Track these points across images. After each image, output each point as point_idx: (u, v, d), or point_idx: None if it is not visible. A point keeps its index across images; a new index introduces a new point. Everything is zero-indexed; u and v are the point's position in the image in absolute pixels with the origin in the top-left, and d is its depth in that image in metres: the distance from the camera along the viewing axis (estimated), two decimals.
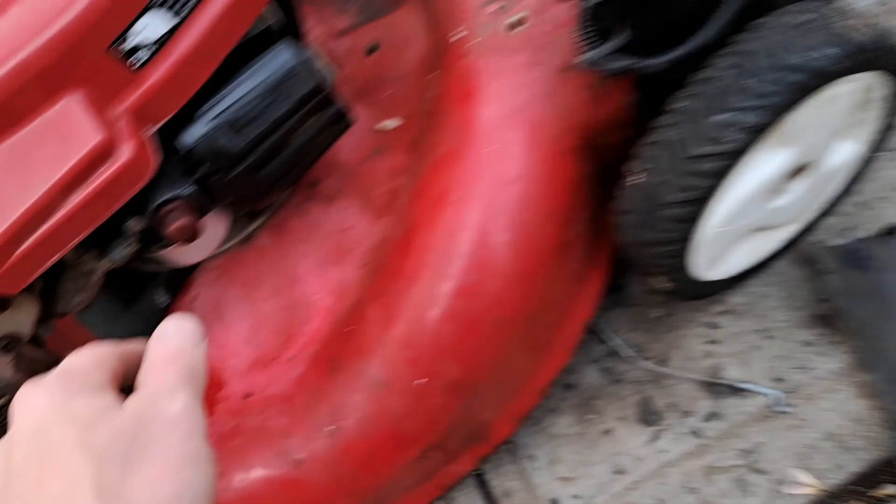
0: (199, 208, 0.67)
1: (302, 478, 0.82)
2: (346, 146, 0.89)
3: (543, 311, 0.81)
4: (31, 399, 0.40)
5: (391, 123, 0.88)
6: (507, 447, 0.99)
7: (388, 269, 0.81)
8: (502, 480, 0.98)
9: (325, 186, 0.89)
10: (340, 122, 0.71)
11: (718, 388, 0.94)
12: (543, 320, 0.82)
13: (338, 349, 0.82)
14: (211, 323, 0.92)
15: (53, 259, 0.59)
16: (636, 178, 0.73)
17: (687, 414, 0.95)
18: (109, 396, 0.40)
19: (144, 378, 0.41)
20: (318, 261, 0.88)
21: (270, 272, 0.89)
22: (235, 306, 0.90)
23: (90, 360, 0.42)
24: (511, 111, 0.76)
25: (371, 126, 0.89)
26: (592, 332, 1.03)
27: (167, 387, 0.40)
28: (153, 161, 0.60)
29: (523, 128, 0.76)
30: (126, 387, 0.42)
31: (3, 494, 0.39)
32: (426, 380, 0.78)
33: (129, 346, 0.46)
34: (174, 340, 0.43)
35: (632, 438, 0.96)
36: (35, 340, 0.76)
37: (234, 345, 0.90)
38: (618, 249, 0.84)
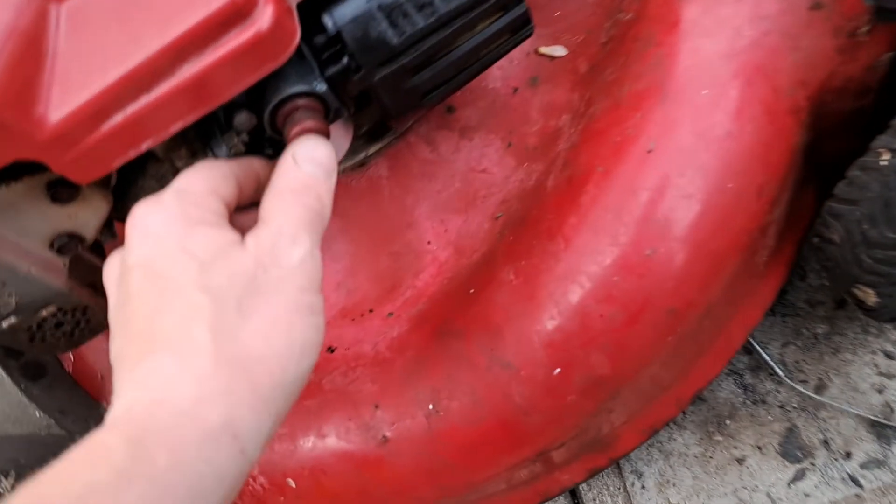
0: (329, 113, 0.50)
1: (385, 459, 0.66)
2: (497, 70, 0.72)
3: (718, 308, 0.64)
4: (149, 221, 0.39)
5: (558, 50, 0.70)
6: None
7: (532, 225, 0.64)
8: (598, 494, 0.83)
9: (464, 115, 0.72)
10: (522, 29, 0.55)
11: (888, 431, 0.77)
12: (713, 320, 0.65)
13: (454, 313, 0.66)
14: None
15: (145, 146, 0.43)
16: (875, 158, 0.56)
17: (843, 455, 0.78)
18: (228, 231, 0.39)
19: (268, 210, 0.41)
20: (439, 204, 0.72)
21: (381, 209, 0.73)
22: (333, 241, 0.74)
23: (207, 183, 0.41)
24: (733, 50, 0.59)
25: (530, 50, 0.72)
26: None
27: (291, 227, 0.39)
28: (295, 35, 0.43)
29: (746, 73, 0.58)
30: (241, 207, 0.43)
31: (121, 310, 0.39)
32: (564, 370, 0.61)
33: (248, 163, 0.45)
34: (306, 169, 0.42)
35: (769, 473, 0.79)
36: (96, 246, 0.61)
37: (324, 286, 0.74)
38: (812, 246, 0.67)
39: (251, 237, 0.40)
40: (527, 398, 0.63)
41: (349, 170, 0.73)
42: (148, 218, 0.40)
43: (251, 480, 0.73)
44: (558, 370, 0.62)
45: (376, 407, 0.67)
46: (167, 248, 0.38)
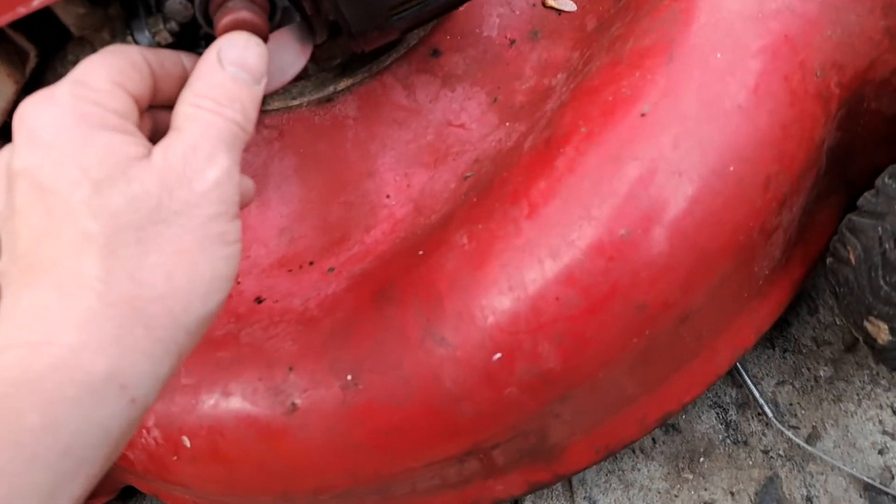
0: (275, 12, 0.42)
1: (289, 429, 0.57)
2: (495, 18, 0.62)
3: (702, 318, 0.54)
4: (38, 120, 0.34)
5: (567, 5, 0.61)
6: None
7: (498, 187, 0.54)
8: None
9: (449, 62, 0.63)
10: None
11: (883, 498, 0.66)
12: (695, 330, 0.55)
13: (396, 275, 0.56)
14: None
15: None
16: None
17: None
18: (131, 140, 0.34)
19: (182, 118, 0.36)
20: (406, 155, 0.63)
21: (341, 152, 0.64)
22: (282, 181, 0.65)
23: (111, 72, 0.35)
24: (760, 12, 0.50)
25: (536, 1, 0.62)
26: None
27: (207, 142, 0.35)
28: None
29: (772, 41, 0.49)
30: (153, 106, 0.38)
31: (7, 221, 0.34)
32: (505, 357, 0.51)
33: (170, 55, 0.39)
34: (232, 71, 0.37)
35: None
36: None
37: (265, 230, 0.65)
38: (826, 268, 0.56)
39: (159, 150, 0.35)
40: (460, 383, 0.53)
41: (314, 104, 0.64)
42: (36, 117, 0.34)
43: (144, 433, 0.64)
44: (499, 355, 0.52)
45: (290, 369, 0.58)
46: (56, 158, 0.33)
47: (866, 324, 0.54)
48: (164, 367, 0.33)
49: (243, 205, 0.41)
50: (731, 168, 0.49)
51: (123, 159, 0.34)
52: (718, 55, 0.50)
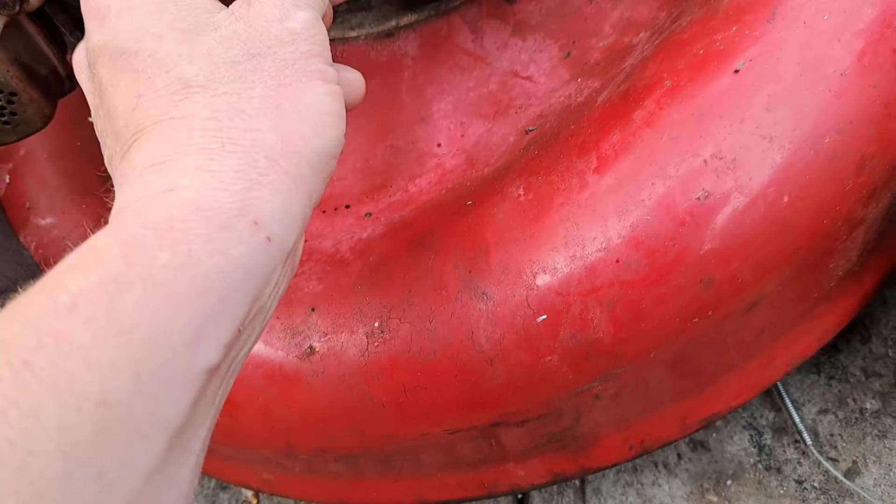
0: None
1: (303, 376, 0.52)
2: None
3: (767, 310, 0.49)
4: None
5: None
6: (575, 484, 0.67)
7: (565, 141, 0.50)
8: None
9: (524, 9, 0.59)
10: None
11: None
12: (757, 325, 0.51)
13: (439, 225, 0.52)
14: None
15: None
16: None
17: None
18: None
19: None
20: (464, 104, 0.58)
21: (395, 93, 0.60)
22: None
23: None
24: None
25: None
26: (765, 392, 0.70)
27: None
28: None
29: (887, 11, 0.44)
30: None
31: (101, 108, 0.34)
32: (551, 320, 0.47)
33: None
34: None
35: None
36: (53, 34, 0.50)
37: None
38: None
39: (239, 4, 0.34)
40: (495, 343, 0.49)
41: (372, 37, 0.60)
42: None
43: None
44: (543, 317, 0.47)
45: (312, 310, 0.53)
46: (132, 20, 0.32)
47: None
48: (294, 203, 0.31)
49: (352, 104, 0.40)
50: (827, 140, 0.45)
51: (203, 10, 0.33)
52: (825, 17, 0.46)
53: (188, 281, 0.27)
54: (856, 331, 0.70)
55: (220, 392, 0.30)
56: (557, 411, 0.52)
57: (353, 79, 0.40)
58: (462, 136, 0.58)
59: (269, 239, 0.30)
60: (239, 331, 0.29)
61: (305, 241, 0.59)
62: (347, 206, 0.59)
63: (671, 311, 0.47)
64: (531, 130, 0.55)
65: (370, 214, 0.58)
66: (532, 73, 0.57)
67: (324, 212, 0.60)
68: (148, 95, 0.31)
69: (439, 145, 0.58)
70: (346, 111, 0.38)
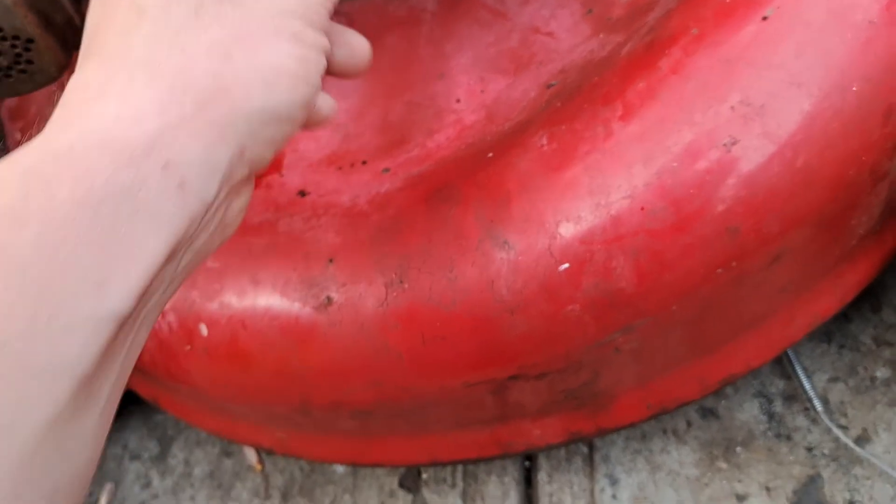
0: None
1: (319, 327, 0.52)
2: None
3: (791, 264, 0.49)
4: None
5: None
6: (583, 451, 0.67)
7: (590, 91, 0.50)
8: (558, 489, 0.67)
9: None
10: None
11: None
12: (780, 279, 0.50)
13: (458, 177, 0.51)
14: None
15: None
16: None
17: None
18: None
19: None
20: (484, 59, 0.58)
21: (413, 48, 0.60)
22: None
23: None
24: None
25: None
26: (776, 358, 0.70)
27: None
28: None
29: None
30: None
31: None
32: (574, 268, 0.46)
33: None
34: None
35: None
36: None
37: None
38: None
39: None
40: (517, 292, 0.48)
41: None
42: None
43: (160, 318, 0.58)
44: (566, 266, 0.47)
45: (331, 261, 0.53)
46: None
47: None
48: (219, 155, 0.29)
49: (321, 123, 0.38)
50: (855, 88, 0.44)
51: None
52: None
53: (89, 220, 0.26)
54: (866, 300, 0.70)
55: (133, 343, 0.29)
56: (577, 365, 0.52)
57: (356, 44, 0.38)
58: (482, 91, 0.58)
59: (182, 185, 0.28)
60: (151, 280, 0.28)
61: (321, 195, 0.58)
62: (364, 163, 0.59)
63: (695, 261, 0.47)
64: (553, 85, 0.55)
65: (388, 170, 0.58)
66: (553, 28, 0.57)
67: (339, 168, 0.60)
68: (106, 21, 0.31)
69: (458, 101, 0.58)
70: (350, 78, 0.37)
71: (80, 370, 0.25)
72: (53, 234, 0.25)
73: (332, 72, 0.37)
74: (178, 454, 0.80)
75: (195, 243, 0.31)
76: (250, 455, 0.76)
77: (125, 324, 0.27)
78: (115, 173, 0.26)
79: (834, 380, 0.68)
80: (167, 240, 0.28)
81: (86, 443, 0.27)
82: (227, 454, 0.79)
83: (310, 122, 0.36)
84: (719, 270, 0.47)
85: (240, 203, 0.34)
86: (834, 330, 0.69)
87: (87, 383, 0.26)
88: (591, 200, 0.47)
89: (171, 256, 0.29)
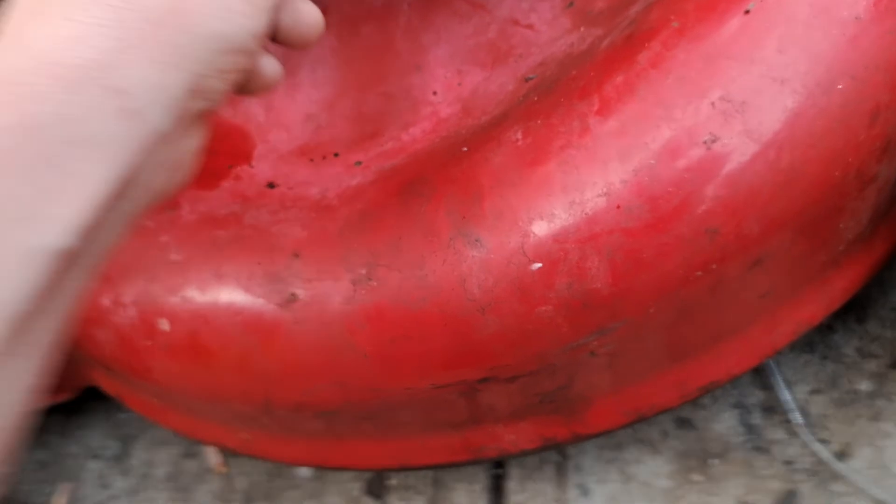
0: None
1: (283, 325, 0.50)
2: None
3: (773, 268, 0.48)
4: None
5: None
6: (555, 460, 0.65)
7: (567, 85, 0.48)
8: (527, 498, 0.65)
9: None
10: None
11: None
12: (763, 284, 0.49)
13: (431, 171, 0.50)
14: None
15: None
16: None
17: None
18: None
19: None
20: (462, 52, 0.56)
21: (389, 39, 0.58)
22: (318, 64, 0.59)
23: None
24: None
25: None
26: (756, 368, 0.68)
27: None
28: None
29: None
30: None
31: None
32: (547, 268, 0.44)
33: None
34: None
35: None
36: None
37: (290, 115, 0.59)
38: None
39: None
40: (488, 291, 0.46)
41: None
42: None
43: (120, 310, 0.56)
44: (539, 265, 0.45)
45: (296, 256, 0.51)
46: None
47: None
48: (171, 78, 0.28)
49: (266, 87, 0.37)
50: (840, 86, 0.43)
51: None
52: None
53: (29, 147, 0.25)
54: (852, 311, 0.69)
55: (77, 284, 0.28)
56: (550, 367, 0.50)
57: (305, 10, 0.36)
58: (459, 84, 0.56)
59: (130, 113, 0.27)
60: (96, 215, 0.26)
61: (290, 188, 0.57)
62: (336, 155, 0.57)
63: (673, 262, 0.45)
64: (531, 78, 0.53)
65: (360, 163, 0.56)
66: (533, 21, 0.56)
67: (311, 160, 0.58)
68: None
69: (435, 93, 0.56)
70: (297, 48, 0.36)
71: (15, 307, 0.24)
72: None
73: (277, 38, 0.35)
74: (139, 454, 0.78)
75: (147, 179, 0.29)
76: (213, 457, 0.74)
77: (70, 262, 0.26)
78: (56, 98, 0.25)
79: (816, 392, 0.66)
80: (115, 171, 0.26)
81: (16, 389, 0.26)
82: (190, 456, 0.76)
83: (255, 86, 0.35)
84: (698, 273, 0.45)
85: (193, 143, 0.33)
86: (817, 340, 0.68)
87: (22, 324, 0.25)
88: (565, 198, 0.45)
89: (121, 191, 0.27)
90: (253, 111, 0.61)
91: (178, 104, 0.29)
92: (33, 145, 0.24)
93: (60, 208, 0.25)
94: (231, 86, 0.33)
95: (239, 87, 0.36)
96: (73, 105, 0.25)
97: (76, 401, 0.75)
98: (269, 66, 0.37)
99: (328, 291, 0.50)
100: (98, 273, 0.30)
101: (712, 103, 0.43)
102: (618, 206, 0.44)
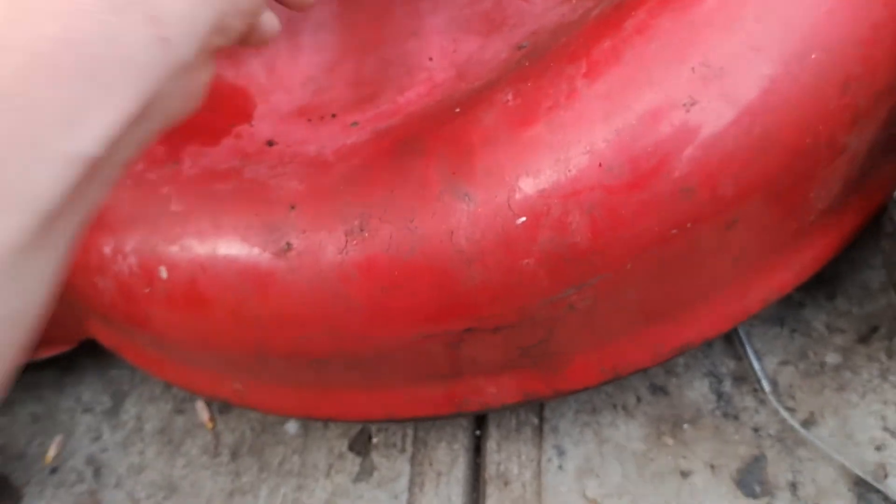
0: None
1: (278, 273, 0.52)
2: None
3: (747, 232, 0.50)
4: None
5: None
6: (533, 422, 0.68)
7: (557, 51, 0.51)
8: (506, 458, 0.68)
9: None
10: None
11: (872, 495, 0.62)
12: (736, 248, 0.51)
13: (424, 130, 0.52)
14: (278, 34, 0.63)
15: None
16: None
17: None
18: None
19: None
20: (458, 20, 0.59)
21: (388, 6, 0.60)
22: (319, 28, 0.61)
23: None
24: None
25: None
26: (728, 339, 0.71)
27: None
28: None
29: None
30: None
31: None
32: (531, 221, 0.47)
33: None
34: None
35: (713, 499, 0.65)
36: None
37: (291, 77, 0.61)
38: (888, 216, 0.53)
39: None
40: (475, 243, 0.49)
41: None
42: None
43: (119, 258, 0.58)
44: (523, 219, 0.48)
45: (292, 208, 0.53)
46: None
47: None
48: (202, 14, 0.30)
49: (264, 41, 0.40)
50: (813, 56, 0.46)
51: None
52: None
53: (70, 57, 0.26)
54: (822, 287, 0.71)
55: (94, 196, 0.30)
56: (531, 320, 0.52)
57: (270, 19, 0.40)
58: (454, 51, 0.58)
59: (163, 39, 0.29)
60: (122, 129, 0.29)
61: (289, 146, 0.59)
62: (334, 116, 0.59)
63: (650, 219, 0.48)
64: (524, 46, 0.56)
65: (356, 123, 0.58)
66: None
67: (309, 120, 0.60)
68: None
69: (430, 59, 0.59)
70: (296, 8, 0.39)
71: (46, 205, 0.26)
72: (37, 68, 0.25)
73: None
74: (130, 409, 0.80)
75: (165, 104, 0.31)
76: (202, 413, 0.76)
77: (95, 168, 0.28)
78: (100, 18, 0.27)
79: (784, 363, 0.69)
80: (143, 91, 0.29)
81: (43, 280, 0.28)
82: (180, 411, 0.79)
83: (255, 38, 0.38)
84: (674, 231, 0.48)
85: (206, 76, 0.35)
86: (787, 315, 0.71)
87: (53, 221, 0.27)
88: (551, 156, 0.47)
89: (144, 111, 0.29)
90: (255, 73, 0.63)
91: (203, 37, 0.31)
92: (75, 56, 0.26)
93: (94, 118, 0.27)
94: (244, 28, 0.36)
95: (242, 37, 0.38)
96: (114, 26, 0.27)
97: (71, 357, 0.77)
98: (270, 20, 0.40)
99: (322, 242, 0.52)
100: (109, 190, 0.33)
101: (692, 68, 0.46)
102: (599, 165, 0.47)
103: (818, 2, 0.45)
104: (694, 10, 0.46)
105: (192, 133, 0.59)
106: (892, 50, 0.47)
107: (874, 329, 0.68)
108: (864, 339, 0.68)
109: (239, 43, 0.39)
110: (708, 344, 0.70)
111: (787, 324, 0.70)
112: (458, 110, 0.53)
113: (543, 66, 0.50)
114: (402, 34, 0.59)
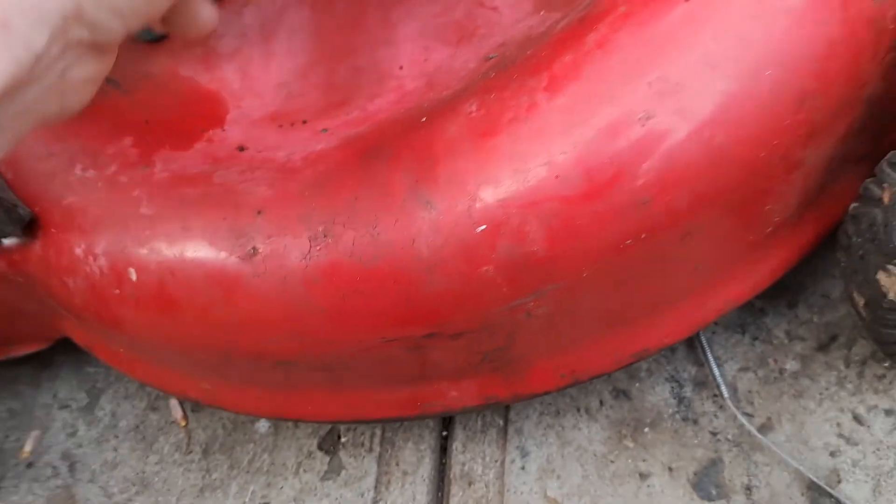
0: None
1: (244, 277, 0.53)
2: None
3: (702, 242, 0.51)
4: None
5: None
6: (498, 424, 0.69)
7: (521, 63, 0.52)
8: (471, 459, 0.69)
9: None
10: None
11: (824, 500, 0.63)
12: (692, 259, 0.53)
13: (392, 138, 0.53)
14: (252, 39, 0.64)
15: None
16: None
17: None
18: None
19: None
20: (429, 29, 0.60)
21: (360, 14, 0.61)
22: (292, 34, 0.62)
23: None
24: None
25: None
26: (690, 345, 0.73)
27: None
28: None
29: None
30: None
31: None
32: (490, 230, 0.48)
33: None
34: None
35: (670, 500, 0.65)
36: None
37: (263, 82, 0.62)
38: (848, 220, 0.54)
39: None
40: (436, 250, 0.50)
41: None
42: None
43: (91, 259, 0.59)
44: (483, 227, 0.49)
45: (259, 213, 0.54)
46: None
47: (880, 275, 0.52)
48: (48, 4, 0.30)
49: (199, 31, 0.40)
50: (768, 73, 0.47)
51: None
52: None
53: None
54: (783, 296, 0.73)
55: None
56: (491, 327, 0.54)
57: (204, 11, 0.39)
58: (425, 60, 0.59)
59: (2, 25, 0.28)
60: None
61: (259, 151, 0.60)
62: (304, 122, 0.60)
63: (606, 229, 0.49)
64: (492, 57, 0.57)
65: (326, 130, 0.59)
66: (497, 4, 0.59)
67: (280, 126, 0.61)
68: None
69: (401, 68, 0.60)
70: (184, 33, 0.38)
71: None
72: None
73: None
74: (105, 406, 0.81)
75: (26, 96, 0.31)
76: (175, 411, 0.77)
77: None
78: None
79: (744, 369, 0.70)
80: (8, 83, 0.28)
81: None
82: (154, 409, 0.80)
83: (185, 27, 0.37)
84: (629, 241, 0.49)
85: (84, 72, 0.34)
86: (749, 322, 0.72)
87: None
88: (511, 166, 0.49)
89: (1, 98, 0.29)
90: (228, 77, 0.64)
91: (56, 28, 0.30)
92: None
93: None
94: (121, 26, 0.34)
95: (169, 26, 0.37)
96: None
97: (48, 354, 0.78)
98: (204, 10, 0.39)
99: (287, 247, 0.53)
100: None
101: (649, 83, 0.47)
102: (556, 176, 0.48)
103: (774, 19, 0.46)
104: (653, 26, 0.48)
105: (164, 137, 0.60)
106: (849, 66, 0.48)
107: (833, 338, 0.69)
108: (823, 348, 0.70)
109: (169, 31, 0.38)
110: (670, 350, 0.72)
111: (749, 331, 0.72)
112: (424, 119, 0.54)
113: (507, 78, 0.51)
114: (374, 42, 0.60)
